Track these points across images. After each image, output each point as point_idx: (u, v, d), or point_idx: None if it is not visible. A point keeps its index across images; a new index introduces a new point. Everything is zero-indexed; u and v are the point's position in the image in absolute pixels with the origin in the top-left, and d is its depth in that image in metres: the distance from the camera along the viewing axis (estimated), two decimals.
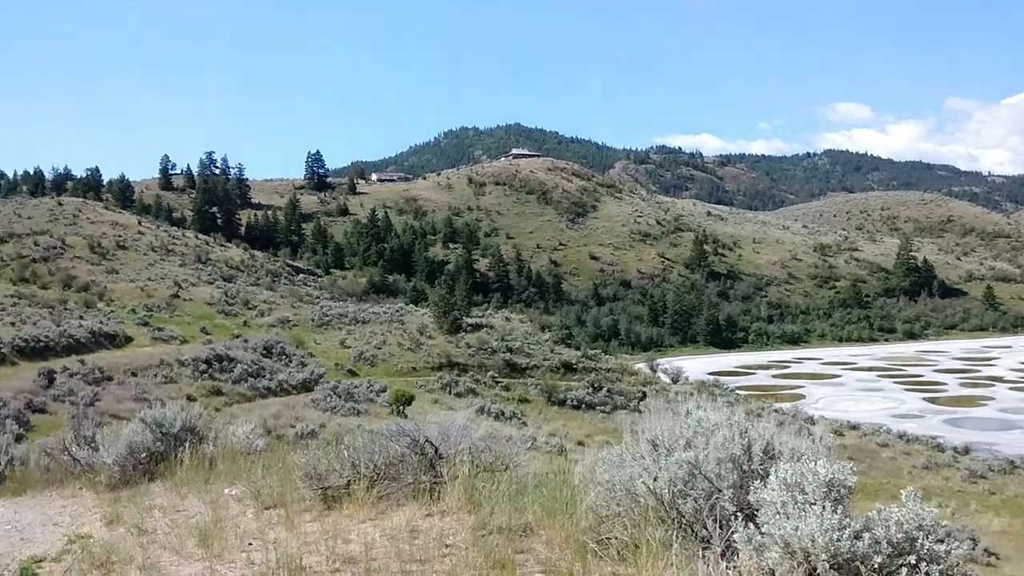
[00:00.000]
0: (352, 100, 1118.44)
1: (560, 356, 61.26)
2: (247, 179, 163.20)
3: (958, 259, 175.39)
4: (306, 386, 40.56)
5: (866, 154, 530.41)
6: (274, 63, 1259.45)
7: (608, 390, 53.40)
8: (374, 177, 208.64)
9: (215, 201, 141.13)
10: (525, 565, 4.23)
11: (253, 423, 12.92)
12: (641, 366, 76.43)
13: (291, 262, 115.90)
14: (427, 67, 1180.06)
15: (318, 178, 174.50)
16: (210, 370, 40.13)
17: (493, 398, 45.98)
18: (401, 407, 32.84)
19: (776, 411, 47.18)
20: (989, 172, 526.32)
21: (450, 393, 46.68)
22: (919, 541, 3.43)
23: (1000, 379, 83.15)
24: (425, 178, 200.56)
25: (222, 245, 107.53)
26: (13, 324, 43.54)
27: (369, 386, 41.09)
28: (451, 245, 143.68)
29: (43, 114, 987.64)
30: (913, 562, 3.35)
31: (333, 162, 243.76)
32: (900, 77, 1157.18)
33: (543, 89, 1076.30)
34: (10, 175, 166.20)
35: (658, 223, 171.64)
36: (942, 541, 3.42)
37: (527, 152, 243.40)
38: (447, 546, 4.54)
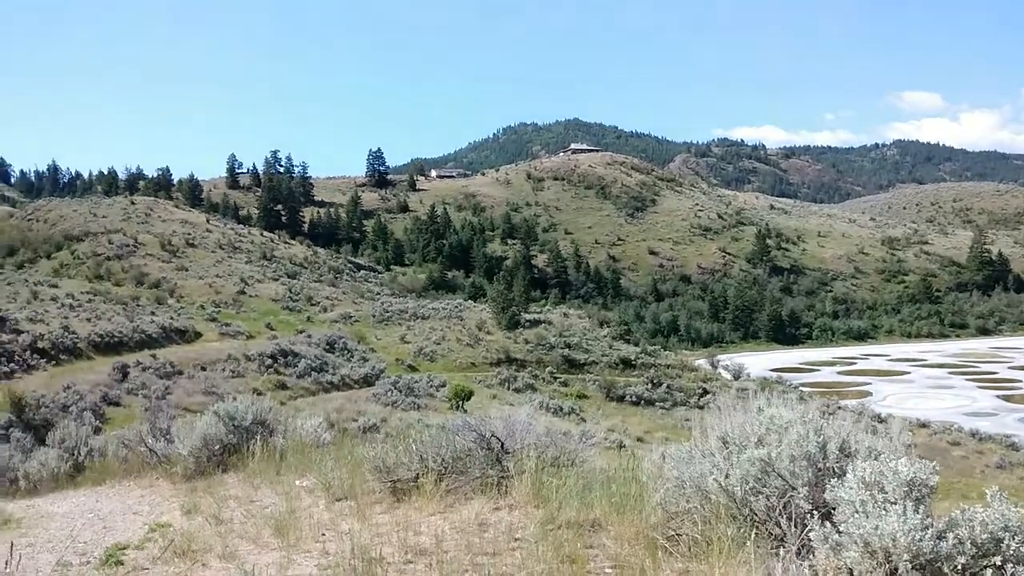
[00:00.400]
0: (413, 98, 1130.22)
1: (618, 352, 60.89)
2: (310, 177, 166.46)
3: None
4: (368, 381, 41.22)
5: (937, 144, 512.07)
6: (336, 63, 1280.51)
7: (667, 386, 52.85)
8: (433, 174, 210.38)
9: (279, 199, 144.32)
10: (595, 560, 4.23)
11: (319, 417, 13.21)
12: (701, 362, 75.50)
13: (352, 259, 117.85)
14: (486, 64, 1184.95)
15: (379, 175, 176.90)
16: (275, 365, 41.12)
17: (551, 394, 45.99)
18: (460, 402, 33.12)
19: (842, 409, 46.04)
20: None
21: (508, 388, 46.84)
22: (1005, 542, 3.32)
23: None
24: (484, 174, 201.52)
25: (286, 242, 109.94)
26: (89, 320, 45.31)
27: (429, 381, 41.53)
28: (509, 241, 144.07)
29: (116, 115, 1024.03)
30: (998, 563, 3.25)
31: (394, 159, 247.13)
32: (973, 65, 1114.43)
33: (602, 84, 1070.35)
34: (85, 175, 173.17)
35: (719, 217, 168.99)
36: None
37: (586, 147, 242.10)
38: (516, 540, 4.57)
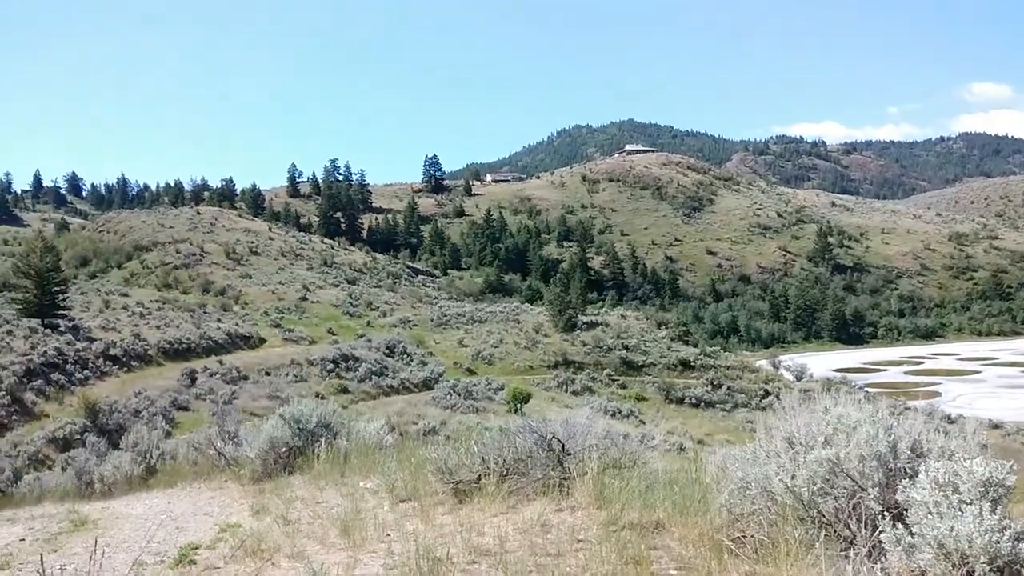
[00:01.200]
0: (467, 103, 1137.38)
1: (677, 353, 60.17)
2: (368, 184, 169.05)
3: None
4: (427, 384, 41.63)
5: (1006, 136, 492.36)
6: (392, 70, 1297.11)
7: (728, 388, 52.02)
8: (489, 178, 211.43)
9: (339, 207, 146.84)
10: (659, 562, 4.21)
11: (380, 420, 13.41)
12: (762, 363, 74.05)
13: (410, 264, 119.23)
14: (539, 67, 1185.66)
15: (435, 181, 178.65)
16: (337, 369, 41.84)
17: (610, 396, 45.72)
18: (519, 405, 33.18)
19: (910, 409, 44.65)
20: None
21: (566, 391, 46.74)
22: None
23: None
24: (539, 177, 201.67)
25: (346, 249, 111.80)
26: (158, 327, 46.81)
27: (487, 384, 41.70)
28: (565, 243, 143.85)
29: (182, 127, 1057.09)
30: None
31: (449, 165, 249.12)
32: None
33: (657, 83, 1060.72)
34: (153, 187, 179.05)
35: (778, 215, 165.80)
36: None
37: (641, 147, 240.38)
38: (579, 541, 4.57)
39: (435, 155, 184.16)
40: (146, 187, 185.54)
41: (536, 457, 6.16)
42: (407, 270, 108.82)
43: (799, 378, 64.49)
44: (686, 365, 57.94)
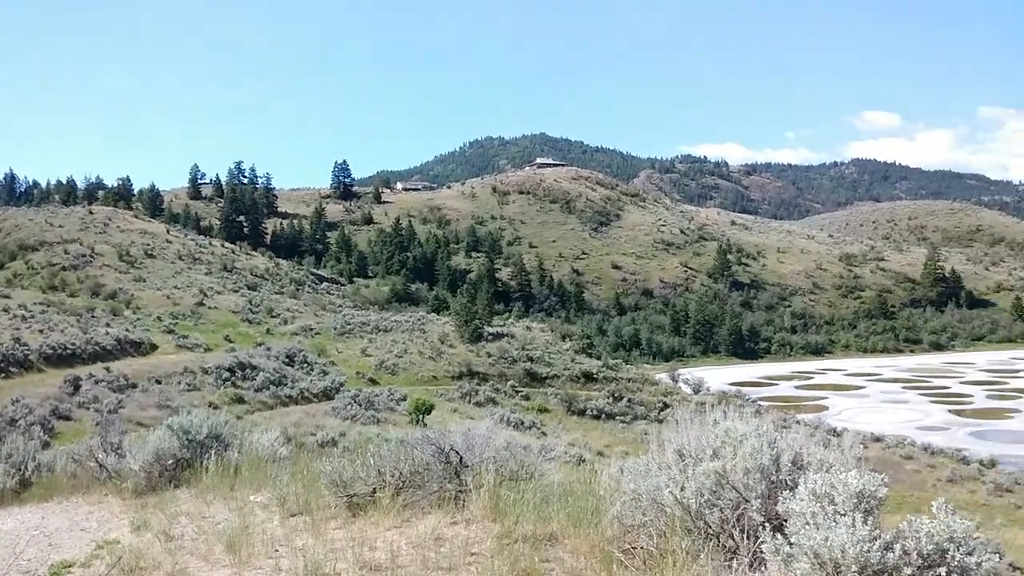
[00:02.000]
0: (380, 109, 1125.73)
1: (581, 366, 61.10)
2: (274, 188, 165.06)
3: (987, 269, 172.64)
4: (327, 394, 40.77)
5: (894, 163, 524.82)
6: (303, 74, 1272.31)
7: (628, 400, 53.14)
8: (399, 186, 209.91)
9: (242, 210, 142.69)
10: (551, 574, 4.22)
11: (275, 431, 13.02)
12: (662, 376, 76.04)
13: (315, 271, 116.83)
14: (453, 77, 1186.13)
15: (344, 187, 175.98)
16: (233, 378, 40.48)
17: (513, 407, 45.95)
18: (421, 416, 32.91)
19: (799, 422, 46.68)
20: (1020, 181, 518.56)
21: (470, 402, 46.70)
22: (950, 553, 3.39)
23: None
24: (449, 187, 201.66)
25: (248, 254, 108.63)
26: (41, 331, 44.22)
27: (390, 395, 41.23)
28: (474, 254, 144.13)
29: (76, 125, 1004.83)
30: (943, 574, 3.31)
31: (359, 171, 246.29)
32: (930, 85, 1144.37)
33: (569, 99, 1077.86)
34: (43, 184, 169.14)
35: (682, 232, 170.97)
36: (972, 554, 3.38)
37: (551, 161, 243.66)
38: (472, 554, 4.54)
39: (345, 161, 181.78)
40: (35, 184, 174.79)
41: (433, 469, 6.10)
42: (311, 277, 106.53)
43: (696, 391, 66.50)
44: (589, 377, 58.88)
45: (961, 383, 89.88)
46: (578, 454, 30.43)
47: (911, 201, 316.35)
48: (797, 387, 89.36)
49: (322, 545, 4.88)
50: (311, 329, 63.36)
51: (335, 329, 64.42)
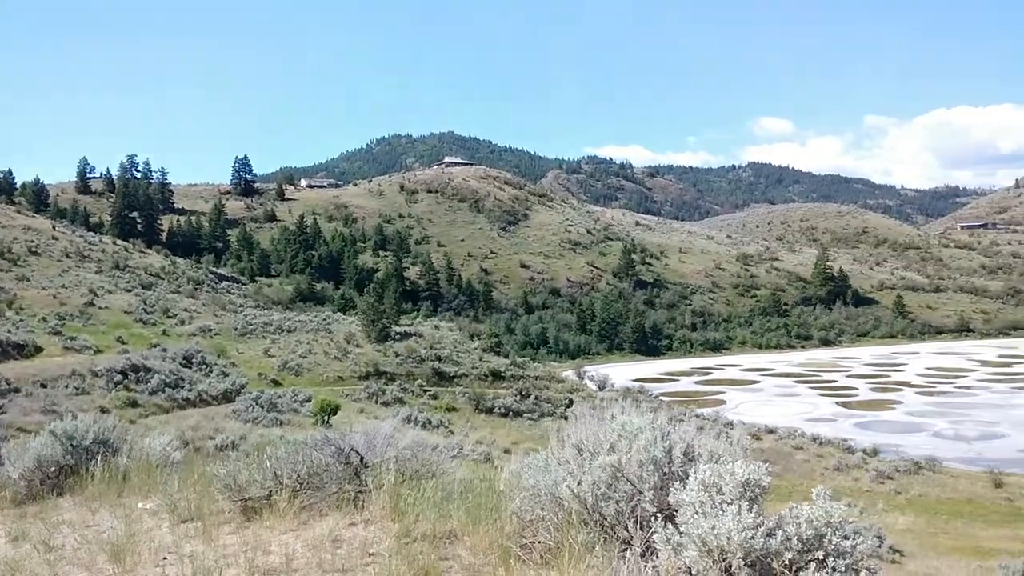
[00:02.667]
0: (283, 104, 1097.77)
1: (489, 364, 61.29)
2: (170, 184, 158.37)
3: (871, 269, 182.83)
4: (227, 397, 39.46)
5: (788, 167, 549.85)
6: (202, 66, 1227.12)
7: (535, 397, 53.67)
8: (303, 183, 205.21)
9: (136, 206, 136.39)
10: (449, 572, 4.22)
11: (170, 435, 12.52)
12: (568, 374, 77.15)
13: (214, 269, 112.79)
14: (360, 72, 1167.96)
15: (245, 183, 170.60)
16: (125, 381, 38.67)
17: (420, 407, 45.70)
18: (326, 417, 32.32)
19: (698, 416, 48.22)
20: (902, 186, 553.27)
21: (377, 402, 46.17)
22: (827, 537, 3.56)
23: (908, 384, 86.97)
24: (356, 185, 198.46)
25: (142, 251, 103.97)
26: None
27: (293, 396, 40.27)
28: (381, 253, 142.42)
29: None
30: (821, 557, 3.48)
31: (261, 167, 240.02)
32: (820, 93, 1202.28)
33: (478, 98, 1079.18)
34: None
35: (588, 232, 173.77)
36: (848, 537, 3.56)
37: (460, 160, 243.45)
38: (370, 555, 4.49)
39: (246, 156, 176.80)
40: None
41: (333, 470, 5.99)
42: (211, 276, 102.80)
43: (602, 388, 67.81)
44: (497, 376, 59.13)
45: (847, 377, 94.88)
46: (485, 452, 30.54)
47: (803, 204, 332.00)
48: (697, 382, 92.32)
49: (213, 551, 4.72)
50: (210, 329, 61.21)
51: (236, 329, 62.46)
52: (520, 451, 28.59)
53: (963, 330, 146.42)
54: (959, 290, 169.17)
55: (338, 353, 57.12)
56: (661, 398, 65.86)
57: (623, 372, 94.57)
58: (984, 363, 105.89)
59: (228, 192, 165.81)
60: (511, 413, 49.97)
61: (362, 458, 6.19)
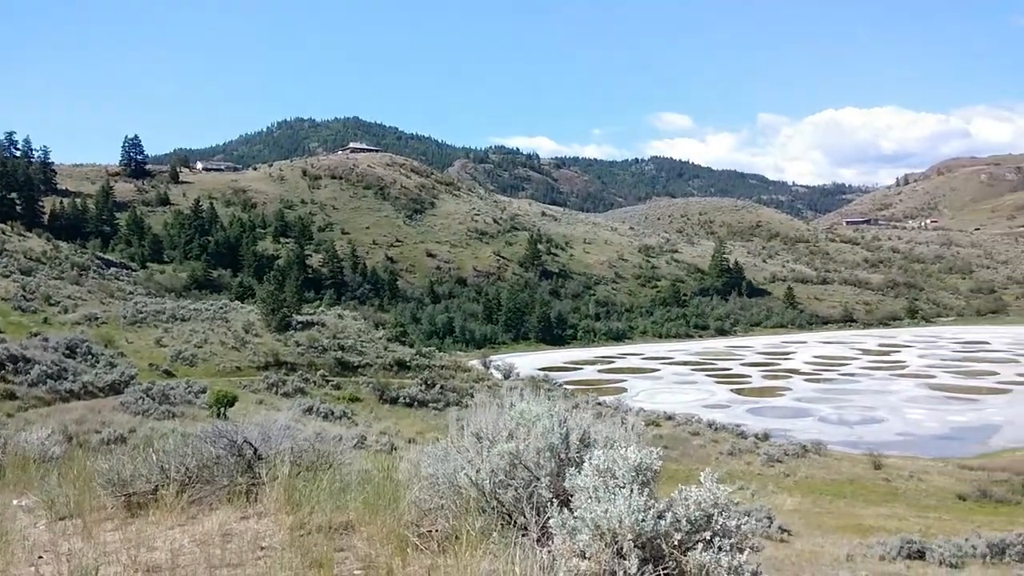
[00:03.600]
0: (177, 83, 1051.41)
1: (394, 354, 60.73)
2: (53, 163, 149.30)
3: (764, 261, 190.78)
4: (115, 388, 37.64)
5: (688, 162, 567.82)
6: (91, 40, 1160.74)
7: (441, 387, 53.57)
8: (199, 166, 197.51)
9: (14, 186, 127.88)
10: (344, 563, 4.16)
11: (51, 428, 11.87)
12: (475, 363, 77.34)
13: (102, 254, 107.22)
14: (260, 51, 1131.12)
15: (136, 165, 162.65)
16: (3, 372, 36.32)
17: (323, 397, 44.86)
18: (222, 409, 31.32)
19: (600, 404, 49.26)
20: (793, 182, 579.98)
21: (277, 393, 45.06)
22: (714, 518, 3.69)
23: (796, 371, 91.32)
24: (256, 169, 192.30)
25: (21, 235, 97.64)
26: None
27: (187, 387, 38.80)
28: (282, 239, 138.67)
29: None
30: (708, 537, 3.60)
31: (154, 148, 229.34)
32: (718, 90, 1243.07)
33: (384, 84, 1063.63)
34: None
35: (495, 222, 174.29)
36: (733, 518, 3.70)
37: (365, 146, 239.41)
38: (262, 548, 4.37)
39: (136, 136, 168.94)
40: None
41: (224, 463, 5.81)
42: (97, 261, 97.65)
43: (507, 377, 68.29)
44: (402, 365, 58.68)
45: (741, 365, 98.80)
46: (389, 442, 30.29)
47: (702, 198, 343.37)
48: (600, 371, 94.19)
49: (93, 549, 4.48)
50: (97, 318, 58.21)
51: (125, 318, 59.61)
52: (426, 441, 28.49)
53: (847, 320, 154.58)
54: (844, 282, 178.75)
55: (236, 343, 55.39)
56: (565, 387, 66.91)
57: (529, 361, 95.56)
58: (866, 352, 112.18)
59: (117, 174, 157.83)
60: (416, 403, 49.69)
61: (256, 450, 6.03)
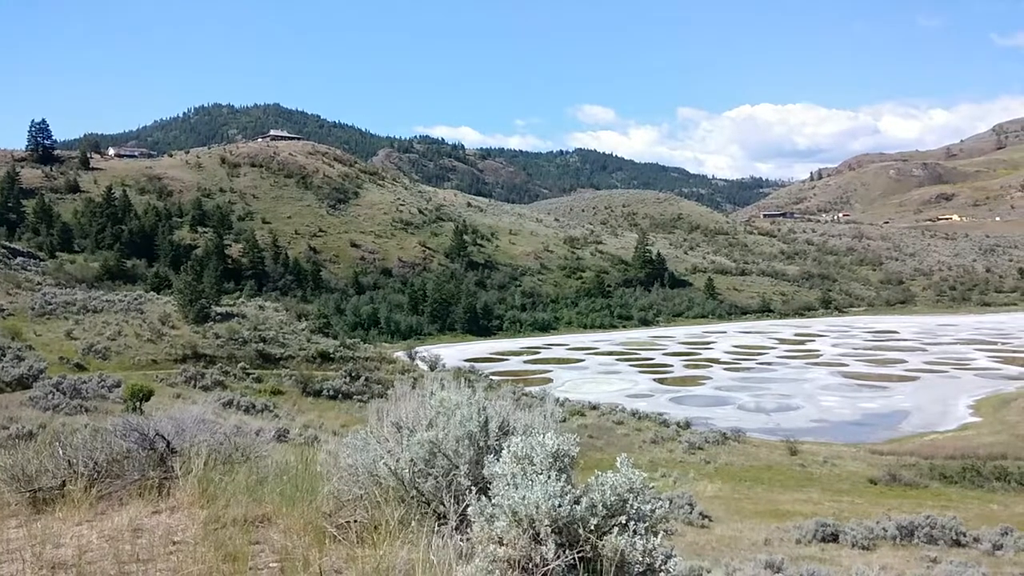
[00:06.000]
0: (88, 64, 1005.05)
1: (317, 346, 59.83)
2: None
3: (685, 253, 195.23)
4: (23, 383, 35.97)
5: (611, 154, 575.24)
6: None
7: (366, 379, 53.09)
8: (111, 152, 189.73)
9: None
10: (259, 556, 4.10)
11: None
12: (400, 354, 76.87)
13: (7, 243, 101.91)
14: (177, 32, 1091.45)
15: (43, 150, 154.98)
16: None
17: (243, 391, 43.89)
18: (138, 403, 30.26)
19: (526, 394, 49.62)
20: (713, 176, 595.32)
21: (195, 387, 43.83)
22: (629, 503, 3.79)
23: (716, 361, 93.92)
24: (172, 155, 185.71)
25: None
26: None
27: (101, 381, 37.36)
28: (200, 229, 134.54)
29: None
30: (624, 521, 3.70)
31: (63, 133, 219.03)
32: (640, 84, 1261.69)
33: (305, 70, 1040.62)
34: None
35: (420, 212, 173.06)
36: (647, 502, 3.81)
37: (286, 134, 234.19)
38: (175, 543, 4.27)
39: (44, 120, 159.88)
40: None
41: (135, 457, 5.64)
42: (3, 251, 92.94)
43: (433, 368, 68.11)
44: (326, 357, 57.86)
45: (664, 355, 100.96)
46: (312, 435, 29.85)
47: (625, 190, 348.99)
48: (526, 361, 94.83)
49: None
50: (3, 310, 55.49)
51: (33, 309, 56.98)
52: (349, 433, 28.20)
53: (765, 311, 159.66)
54: (761, 274, 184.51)
55: (152, 335, 53.61)
56: (492, 377, 67.09)
57: (455, 352, 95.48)
58: (782, 341, 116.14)
59: (23, 159, 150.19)
60: (340, 395, 49.11)
61: (169, 443, 5.88)
